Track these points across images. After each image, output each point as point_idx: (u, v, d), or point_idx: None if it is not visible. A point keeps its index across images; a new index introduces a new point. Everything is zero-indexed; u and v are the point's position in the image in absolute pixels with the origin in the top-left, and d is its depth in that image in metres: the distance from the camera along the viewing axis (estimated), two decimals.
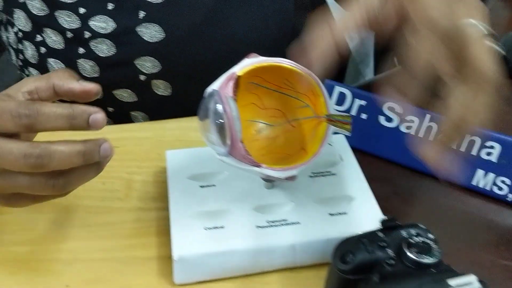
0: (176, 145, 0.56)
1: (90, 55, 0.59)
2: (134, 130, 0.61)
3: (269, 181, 0.50)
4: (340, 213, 0.48)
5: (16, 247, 0.49)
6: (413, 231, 0.39)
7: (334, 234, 0.46)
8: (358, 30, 0.38)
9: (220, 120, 0.41)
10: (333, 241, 0.45)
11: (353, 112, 0.59)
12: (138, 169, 0.56)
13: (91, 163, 0.37)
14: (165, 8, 0.57)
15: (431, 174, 0.56)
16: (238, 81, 0.44)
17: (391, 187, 0.56)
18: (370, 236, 0.39)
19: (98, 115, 0.37)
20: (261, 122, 0.51)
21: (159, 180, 0.55)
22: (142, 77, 0.61)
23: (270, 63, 0.45)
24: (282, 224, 0.47)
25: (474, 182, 0.55)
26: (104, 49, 0.58)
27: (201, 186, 0.51)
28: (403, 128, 0.57)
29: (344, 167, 0.53)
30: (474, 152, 0.55)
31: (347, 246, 0.39)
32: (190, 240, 0.45)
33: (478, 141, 0.54)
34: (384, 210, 0.49)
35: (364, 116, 0.59)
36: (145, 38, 0.58)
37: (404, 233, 0.39)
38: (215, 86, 0.44)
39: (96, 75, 0.60)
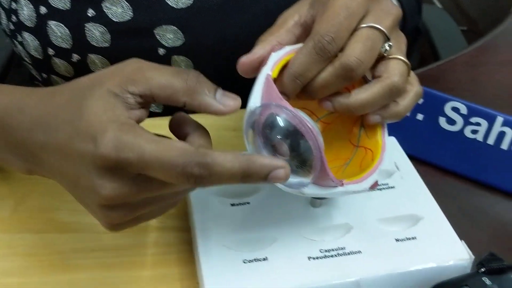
0: None
1: (102, 18, 0.48)
2: (145, 127, 0.51)
3: (319, 198, 0.40)
4: (408, 238, 0.39)
5: (4, 279, 0.39)
6: None
7: (406, 266, 0.37)
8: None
9: (299, 142, 0.31)
10: (404, 275, 0.37)
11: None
12: None
13: None
14: None
15: (504, 189, 0.48)
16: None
17: (456, 204, 0.46)
18: (475, 283, 0.30)
19: (281, 171, 0.29)
20: None
21: None
22: (161, 51, 0.50)
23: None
24: (339, 254, 0.38)
25: None
26: (119, 12, 0.47)
27: (232, 205, 0.41)
28: (468, 133, 0.48)
29: (403, 179, 0.44)
30: None
31: None
32: (226, 277, 0.36)
33: None
34: None
35: (420, 116, 0.50)
36: (169, 3, 0.48)
37: None
38: (258, 97, 0.33)
39: (106, 44, 0.49)
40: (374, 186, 0.35)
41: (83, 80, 0.33)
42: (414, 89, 0.38)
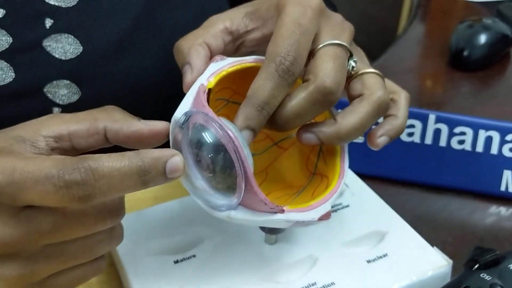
0: None
1: None
2: None
3: (273, 232, 0.35)
4: (379, 257, 0.35)
5: None
6: None
7: (385, 287, 0.33)
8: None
9: (218, 155, 0.26)
10: None
11: None
12: None
13: None
14: (79, 13, 0.40)
15: (452, 187, 0.46)
16: (208, 97, 0.30)
17: (411, 212, 0.44)
18: (475, 282, 0.26)
19: (176, 158, 0.26)
20: None
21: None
22: (56, 110, 0.43)
23: (246, 64, 0.32)
24: None
25: (503, 188, 0.45)
26: None
27: (176, 262, 0.35)
28: (404, 137, 0.46)
29: (354, 195, 0.40)
30: (494, 151, 0.45)
31: None
32: None
33: (496, 137, 0.45)
34: None
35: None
36: (55, 55, 0.41)
37: None
38: (186, 106, 0.29)
39: None
40: (325, 217, 0.31)
41: None
42: (402, 95, 0.36)
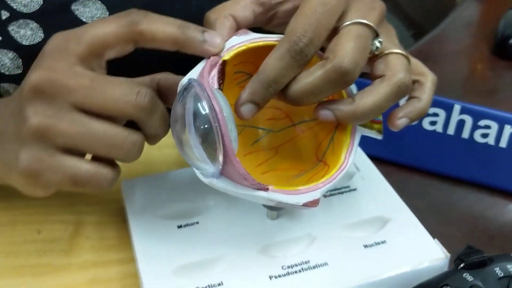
0: (135, 170, 0.41)
1: (10, 43, 0.42)
2: None
3: (274, 209, 0.36)
4: (377, 243, 0.35)
5: None
6: (510, 266, 0.27)
7: (378, 273, 0.33)
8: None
9: (205, 125, 0.28)
10: (377, 284, 0.33)
11: None
12: (86, 207, 0.41)
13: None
14: None
15: (470, 181, 0.45)
16: (223, 68, 0.31)
17: (425, 202, 0.43)
18: (455, 281, 0.26)
19: (215, 34, 0.31)
20: (257, 128, 0.37)
21: (117, 220, 0.40)
22: None
23: (269, 42, 0.32)
24: (304, 269, 0.33)
25: None
26: (28, 34, 0.42)
27: (179, 227, 0.36)
28: (426, 125, 0.46)
29: (364, 180, 0.41)
30: None
31: None
32: None
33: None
34: None
35: None
36: (83, 19, 0.42)
37: (498, 270, 0.27)
38: (195, 72, 0.30)
39: (18, 71, 0.43)
40: (311, 204, 0.31)
41: None
42: (429, 78, 0.35)
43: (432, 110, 0.45)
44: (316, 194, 0.31)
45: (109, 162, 0.31)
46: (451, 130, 0.45)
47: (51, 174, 0.30)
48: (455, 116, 0.45)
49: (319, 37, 0.29)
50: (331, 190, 0.39)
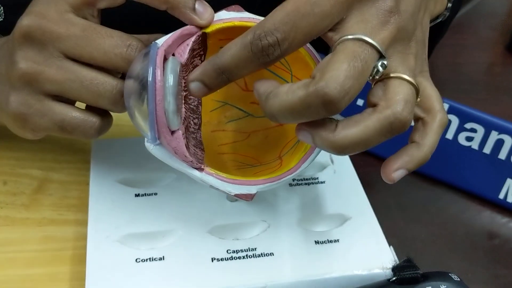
0: (112, 132, 0.41)
1: None
2: None
3: None
4: (330, 241, 0.35)
5: None
6: (443, 285, 0.26)
7: (322, 273, 0.32)
8: None
9: (146, 92, 0.27)
10: (317, 283, 0.32)
11: None
12: (55, 164, 0.41)
13: None
14: None
15: (446, 182, 0.44)
16: (204, 40, 0.30)
17: (394, 198, 0.42)
18: None
19: (207, 8, 0.30)
20: (238, 108, 0.36)
21: (82, 181, 0.40)
22: None
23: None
24: (249, 256, 0.33)
25: (501, 196, 0.42)
26: None
27: (137, 195, 0.36)
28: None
29: (336, 173, 0.40)
30: (502, 156, 0.42)
31: None
32: (112, 277, 0.31)
33: (509, 141, 0.41)
34: (386, 232, 0.35)
35: (360, 102, 0.45)
36: None
37: None
38: (166, 37, 0.29)
39: (0, 18, 0.43)
40: (244, 197, 0.30)
41: None
42: (436, 118, 0.28)
43: None
44: (251, 189, 0.30)
45: (101, 112, 0.31)
46: None
47: (39, 118, 0.30)
48: None
49: (293, 41, 0.25)
50: (297, 180, 0.38)
